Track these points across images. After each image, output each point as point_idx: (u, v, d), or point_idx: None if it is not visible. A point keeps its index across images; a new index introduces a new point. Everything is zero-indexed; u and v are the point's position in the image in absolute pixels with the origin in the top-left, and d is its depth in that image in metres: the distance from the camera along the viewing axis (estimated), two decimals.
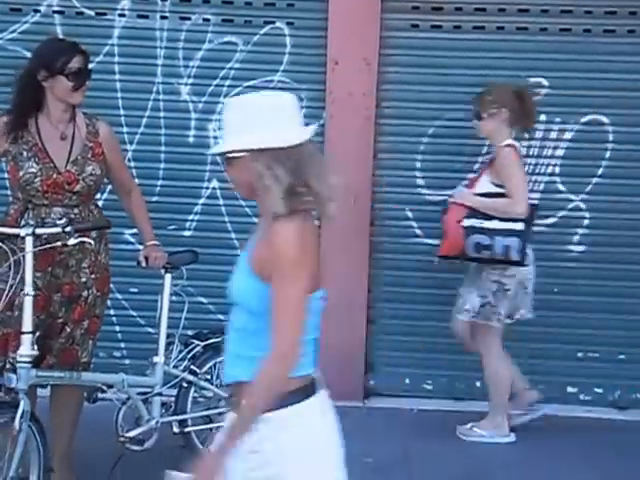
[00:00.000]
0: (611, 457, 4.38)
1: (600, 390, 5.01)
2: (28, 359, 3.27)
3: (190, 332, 4.12)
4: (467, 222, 4.32)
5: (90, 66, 3.64)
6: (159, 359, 3.82)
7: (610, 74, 4.83)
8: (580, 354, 4.99)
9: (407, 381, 5.05)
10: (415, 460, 4.28)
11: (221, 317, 4.88)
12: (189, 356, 3.99)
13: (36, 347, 3.30)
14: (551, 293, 4.95)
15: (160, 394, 3.80)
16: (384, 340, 5.04)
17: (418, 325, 5.01)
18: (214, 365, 4.05)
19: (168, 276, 3.89)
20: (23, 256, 3.28)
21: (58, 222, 3.40)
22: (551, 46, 4.84)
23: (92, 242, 3.47)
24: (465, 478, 4.11)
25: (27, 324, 3.28)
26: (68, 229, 3.32)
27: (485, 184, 4.42)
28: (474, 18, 4.86)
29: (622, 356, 4.96)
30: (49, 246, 3.37)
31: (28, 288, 3.29)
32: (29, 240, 3.30)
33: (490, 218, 4.30)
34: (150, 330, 4.51)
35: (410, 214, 4.96)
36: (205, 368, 4.01)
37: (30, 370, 3.27)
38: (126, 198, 3.86)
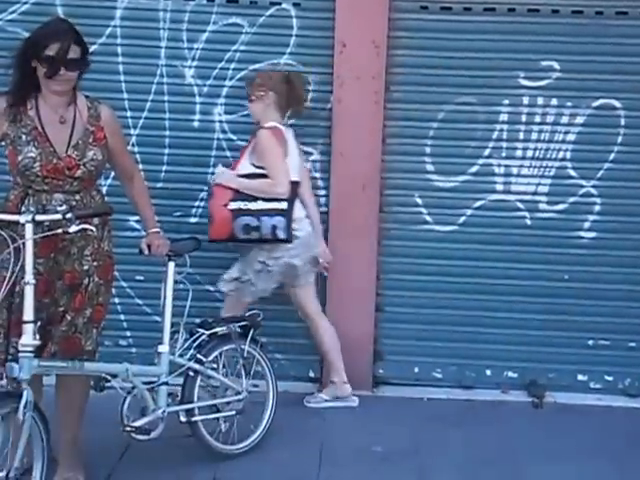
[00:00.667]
0: (622, 445, 4.34)
1: (610, 378, 4.96)
2: (30, 348, 3.18)
3: (197, 320, 4.05)
4: (233, 205, 4.41)
5: (72, 56, 3.36)
6: (164, 348, 3.75)
7: (622, 57, 4.73)
8: (591, 342, 4.94)
9: (416, 370, 4.99)
10: (425, 449, 4.22)
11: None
12: (195, 345, 3.94)
13: (38, 336, 3.21)
14: (561, 280, 4.90)
15: (166, 383, 3.74)
16: (393, 328, 4.97)
17: (427, 313, 4.94)
18: (220, 354, 4.03)
19: (171, 264, 3.82)
20: (23, 244, 3.18)
21: (59, 209, 3.31)
22: (563, 28, 4.73)
23: (94, 229, 3.38)
24: (478, 466, 4.06)
25: (28, 313, 3.19)
26: (69, 216, 3.21)
27: (246, 165, 4.50)
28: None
29: (633, 344, 4.91)
30: (50, 233, 3.27)
31: (29, 276, 3.19)
32: (29, 227, 3.20)
33: (255, 199, 4.40)
34: (156, 318, 4.43)
35: (420, 200, 4.88)
36: (211, 357, 3.97)
37: (32, 360, 3.18)
38: (128, 184, 3.76)
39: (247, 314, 4.24)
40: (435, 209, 4.89)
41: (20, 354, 3.17)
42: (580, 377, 4.97)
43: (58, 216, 3.25)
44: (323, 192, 4.85)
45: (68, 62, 3.36)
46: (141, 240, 3.78)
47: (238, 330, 4.09)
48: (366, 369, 4.90)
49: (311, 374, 5.00)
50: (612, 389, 4.96)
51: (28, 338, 3.19)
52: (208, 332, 3.95)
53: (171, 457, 3.96)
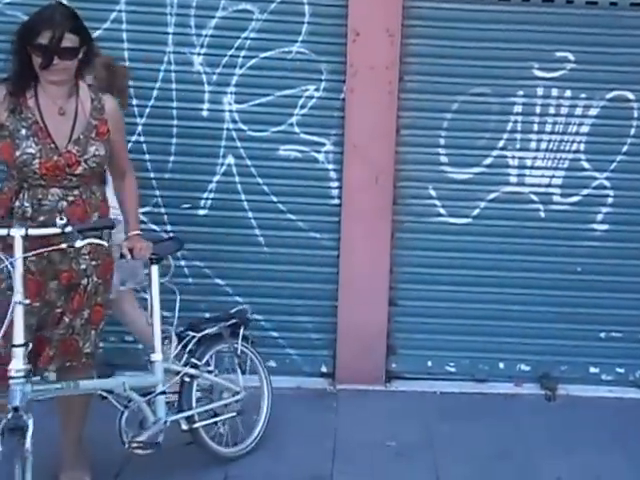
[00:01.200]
0: (634, 436, 4.35)
1: (622, 370, 4.97)
2: (22, 374, 2.98)
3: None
4: None
5: (67, 44, 3.15)
6: (158, 357, 3.52)
7: (636, 49, 4.69)
8: (602, 334, 4.93)
9: (429, 363, 4.94)
10: (439, 443, 4.20)
11: (239, 299, 4.73)
12: (187, 349, 3.75)
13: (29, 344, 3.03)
14: (574, 273, 4.88)
15: (164, 393, 3.55)
16: (406, 322, 4.90)
17: (440, 307, 4.89)
18: (213, 355, 3.87)
19: (155, 268, 3.57)
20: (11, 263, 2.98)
21: (58, 222, 3.12)
22: (577, 19, 4.68)
23: (105, 244, 3.22)
24: (492, 460, 4.05)
25: (18, 336, 2.98)
26: (68, 229, 3.04)
27: None
28: None
29: None
30: (51, 249, 3.07)
31: (19, 296, 2.99)
32: (19, 242, 3.01)
33: None
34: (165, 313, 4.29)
35: (433, 192, 4.81)
36: (205, 359, 3.81)
37: (25, 385, 2.98)
38: (119, 181, 3.55)
39: (234, 310, 4.07)
40: (449, 201, 4.82)
41: (11, 381, 2.97)
42: (592, 369, 4.97)
43: (55, 230, 3.07)
44: (336, 184, 4.76)
45: (62, 51, 3.14)
46: (121, 244, 3.51)
47: (229, 328, 3.93)
48: (379, 363, 4.84)
49: (324, 369, 4.91)
50: (623, 381, 4.97)
51: (18, 363, 2.99)
52: (199, 334, 3.78)
53: (181, 456, 3.83)
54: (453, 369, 4.97)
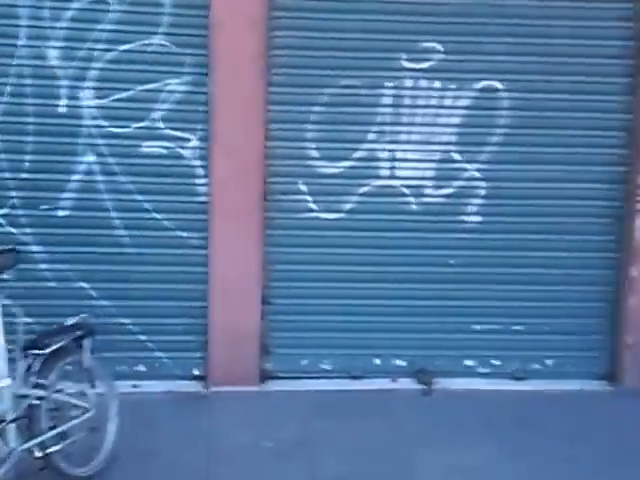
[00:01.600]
0: (510, 427, 4.37)
1: (498, 362, 4.97)
2: None
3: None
4: None
5: None
6: (5, 382, 3.30)
7: (505, 38, 4.68)
8: (477, 326, 4.93)
9: (305, 362, 4.86)
10: (316, 441, 4.15)
11: (105, 302, 4.57)
12: (33, 370, 3.46)
13: None
14: (447, 265, 4.86)
15: (15, 420, 3.31)
16: (280, 321, 4.81)
17: (315, 304, 4.81)
18: (59, 372, 3.57)
19: None
20: None
21: None
22: (444, 9, 4.64)
23: None
24: (369, 456, 4.02)
25: None
26: None
27: None
28: None
29: (518, 327, 4.93)
30: None
31: None
32: None
33: None
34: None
35: (304, 187, 4.72)
36: (51, 378, 3.51)
37: None
38: None
39: (75, 320, 3.76)
40: (320, 196, 4.74)
41: None
42: (467, 362, 4.96)
43: None
44: (203, 181, 4.61)
45: None
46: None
47: (74, 341, 3.67)
48: (253, 364, 4.73)
49: (196, 372, 4.77)
50: (499, 373, 4.97)
51: None
52: (44, 352, 3.48)
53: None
54: (329, 367, 4.90)
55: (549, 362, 4.96)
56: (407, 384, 4.87)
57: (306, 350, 4.85)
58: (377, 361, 4.89)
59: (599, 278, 4.92)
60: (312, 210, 4.75)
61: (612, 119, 4.79)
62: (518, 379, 4.94)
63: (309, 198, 4.74)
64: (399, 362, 4.91)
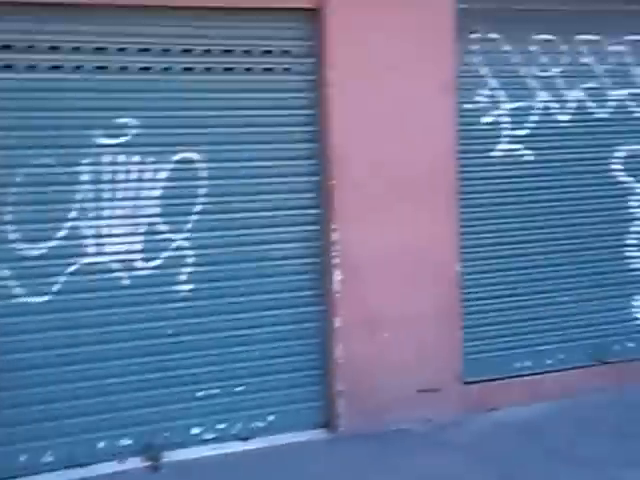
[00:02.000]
0: None
1: (222, 425, 5.00)
2: None
3: None
4: None
5: None
6: None
7: (199, 111, 4.84)
8: (200, 393, 4.93)
9: (23, 458, 4.54)
10: None
11: None
12: None
13: None
14: (165, 336, 4.84)
15: None
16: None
17: (36, 393, 4.52)
18: None
19: None
20: None
21: None
22: (132, 85, 4.71)
23: None
24: None
25: None
26: None
27: None
28: (48, 57, 4.53)
29: (239, 388, 5.00)
30: None
31: None
32: None
33: None
34: None
35: (7, 272, 4.49)
36: None
37: None
38: None
39: None
40: (25, 280, 4.53)
41: None
42: (194, 430, 4.94)
43: None
44: None
45: None
46: None
47: None
48: None
49: None
50: (225, 436, 5.00)
51: None
52: None
53: None
54: (51, 459, 4.62)
55: (271, 418, 5.08)
56: (135, 463, 4.73)
57: (22, 445, 4.54)
58: (101, 444, 4.72)
59: (307, 332, 5.14)
60: (17, 295, 4.52)
61: (301, 182, 5.08)
62: (243, 439, 5.00)
63: (14, 282, 4.51)
64: (125, 441, 4.77)
